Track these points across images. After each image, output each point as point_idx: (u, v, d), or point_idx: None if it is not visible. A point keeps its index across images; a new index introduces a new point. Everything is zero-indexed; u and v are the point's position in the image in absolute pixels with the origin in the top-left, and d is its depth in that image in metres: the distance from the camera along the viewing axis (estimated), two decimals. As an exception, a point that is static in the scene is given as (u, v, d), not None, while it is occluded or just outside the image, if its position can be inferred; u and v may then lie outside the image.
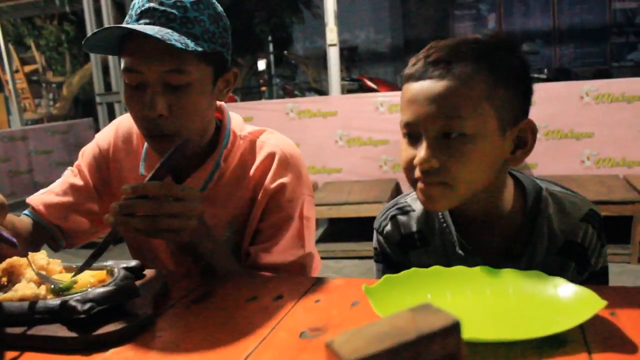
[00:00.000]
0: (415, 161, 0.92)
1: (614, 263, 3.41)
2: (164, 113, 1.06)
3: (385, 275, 0.89)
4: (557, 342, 0.71)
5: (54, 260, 0.99)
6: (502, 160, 0.96)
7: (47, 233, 1.30)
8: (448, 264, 0.96)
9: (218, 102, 1.22)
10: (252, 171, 1.21)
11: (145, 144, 1.23)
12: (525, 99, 0.96)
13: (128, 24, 1.07)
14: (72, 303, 0.81)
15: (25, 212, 1.31)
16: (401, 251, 1.12)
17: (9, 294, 0.87)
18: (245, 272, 1.18)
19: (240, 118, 1.28)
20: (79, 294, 0.84)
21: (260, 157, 1.22)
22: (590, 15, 9.38)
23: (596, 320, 0.75)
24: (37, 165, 5.91)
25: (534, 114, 0.97)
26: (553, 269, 0.99)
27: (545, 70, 6.24)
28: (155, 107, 1.05)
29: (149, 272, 1.03)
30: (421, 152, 0.91)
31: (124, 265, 0.99)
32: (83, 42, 1.06)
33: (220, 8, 1.13)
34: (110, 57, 5.58)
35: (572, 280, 0.89)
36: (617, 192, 3.52)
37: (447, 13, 10.17)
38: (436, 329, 0.42)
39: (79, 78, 11.01)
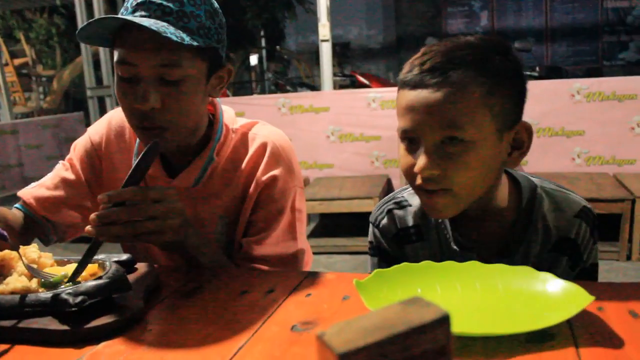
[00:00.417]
0: (416, 169, 0.92)
1: (603, 260, 3.44)
2: (156, 106, 1.05)
3: (376, 270, 0.89)
4: (545, 336, 0.72)
5: (45, 254, 0.99)
6: (501, 162, 0.97)
7: (38, 227, 1.30)
8: (443, 258, 0.98)
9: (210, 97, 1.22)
10: (244, 164, 1.22)
11: (138, 139, 1.22)
12: (520, 101, 0.96)
13: (123, 15, 1.06)
14: (64, 296, 0.81)
15: (17, 205, 1.30)
16: (397, 245, 1.13)
17: (0, 287, 0.87)
18: (236, 266, 1.19)
19: (233, 112, 1.28)
20: (71, 287, 0.84)
21: (252, 149, 1.22)
22: (582, 13, 9.43)
23: (584, 315, 0.76)
24: (27, 159, 5.87)
25: (525, 111, 0.98)
26: (546, 265, 1.02)
27: (537, 68, 6.26)
28: (147, 99, 1.04)
29: (140, 266, 1.03)
30: (421, 160, 0.91)
31: (116, 259, 0.99)
32: (77, 32, 1.04)
33: (216, 4, 1.12)
34: (101, 51, 5.56)
35: (564, 275, 0.92)
36: (607, 190, 3.55)
37: (439, 10, 10.19)
38: (426, 322, 0.42)
39: (70, 71, 10.92)
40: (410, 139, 0.94)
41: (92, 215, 0.94)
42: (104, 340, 0.79)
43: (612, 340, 0.70)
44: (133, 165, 0.99)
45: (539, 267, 0.90)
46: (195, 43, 1.03)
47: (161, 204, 0.98)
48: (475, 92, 0.90)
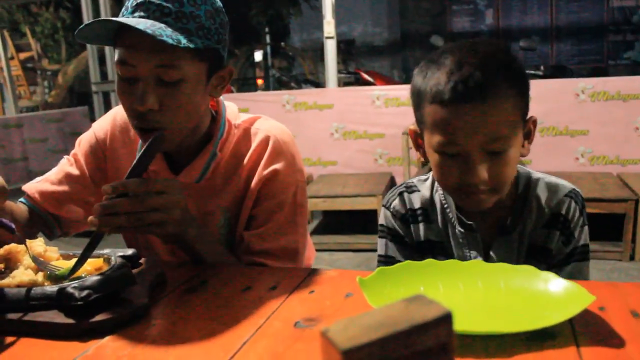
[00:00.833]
0: (471, 181, 0.98)
1: (606, 260, 3.44)
2: (154, 107, 1.05)
3: (379, 268, 0.90)
4: (546, 335, 0.72)
5: (51, 248, 0.99)
6: (520, 154, 1.05)
7: (42, 221, 1.31)
8: (448, 238, 1.15)
9: (212, 95, 1.22)
10: (246, 158, 1.22)
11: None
12: (528, 96, 1.03)
13: (124, 15, 1.06)
14: (70, 290, 0.81)
15: (21, 199, 1.31)
16: (405, 225, 1.20)
17: (6, 280, 0.88)
18: (239, 262, 1.19)
19: (236, 107, 1.29)
20: (77, 281, 0.85)
21: (254, 144, 1.22)
22: (587, 12, 9.39)
23: (585, 314, 0.76)
24: (32, 153, 5.88)
25: (529, 110, 1.03)
26: (541, 240, 1.11)
27: (542, 67, 6.24)
28: (145, 101, 1.04)
29: (145, 261, 1.04)
30: (474, 174, 0.97)
31: (121, 254, 1.00)
32: (75, 33, 1.05)
33: (219, 3, 1.11)
34: (106, 46, 5.55)
35: (558, 250, 1.10)
36: (610, 189, 3.54)
37: (444, 8, 10.16)
38: (429, 319, 0.43)
39: (75, 66, 10.93)
40: (449, 153, 0.99)
41: (96, 206, 0.95)
42: (108, 334, 0.80)
43: (613, 340, 0.71)
44: (137, 156, 0.99)
45: (535, 242, 1.10)
46: (192, 45, 1.03)
47: (164, 196, 0.99)
48: (511, 102, 0.96)
